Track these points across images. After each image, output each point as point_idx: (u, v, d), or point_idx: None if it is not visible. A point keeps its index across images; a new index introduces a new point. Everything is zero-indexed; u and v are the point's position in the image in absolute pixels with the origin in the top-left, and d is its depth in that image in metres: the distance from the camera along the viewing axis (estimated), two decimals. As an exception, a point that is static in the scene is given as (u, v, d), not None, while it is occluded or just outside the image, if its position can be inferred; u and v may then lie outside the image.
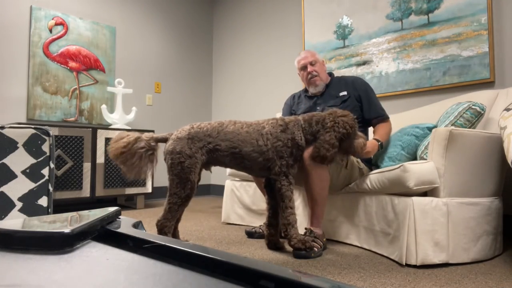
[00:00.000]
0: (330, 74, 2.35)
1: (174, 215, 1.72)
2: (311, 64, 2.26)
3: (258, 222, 2.53)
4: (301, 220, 2.31)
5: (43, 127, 1.41)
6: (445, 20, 2.61)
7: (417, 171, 1.65)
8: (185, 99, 4.57)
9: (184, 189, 1.70)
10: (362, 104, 2.18)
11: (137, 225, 0.58)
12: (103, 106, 3.50)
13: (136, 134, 1.76)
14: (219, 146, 1.75)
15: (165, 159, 1.74)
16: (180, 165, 1.69)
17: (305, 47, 3.58)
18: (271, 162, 1.80)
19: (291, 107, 2.45)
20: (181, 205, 1.72)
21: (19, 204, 1.33)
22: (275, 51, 4.01)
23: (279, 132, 1.80)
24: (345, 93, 2.19)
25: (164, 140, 1.79)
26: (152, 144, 1.77)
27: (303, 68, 2.28)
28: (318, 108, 2.22)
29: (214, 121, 1.83)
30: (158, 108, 4.29)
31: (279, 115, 3.09)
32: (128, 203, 3.67)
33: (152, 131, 3.55)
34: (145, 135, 1.78)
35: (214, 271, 0.39)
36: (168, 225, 1.71)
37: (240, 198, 2.67)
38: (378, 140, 2.06)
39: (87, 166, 3.09)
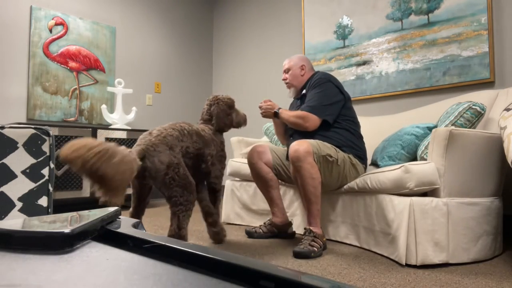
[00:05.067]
0: (315, 72, 2.29)
1: (188, 221, 1.74)
2: (285, 71, 2.32)
3: (258, 222, 2.53)
4: (300, 221, 2.31)
5: (43, 127, 1.41)
6: (445, 20, 2.62)
7: (418, 172, 1.65)
8: (185, 99, 4.57)
9: (193, 193, 1.72)
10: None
11: (137, 225, 0.58)
12: (103, 106, 3.50)
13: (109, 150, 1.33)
14: (189, 148, 1.80)
15: (157, 177, 1.65)
16: (177, 175, 1.66)
17: (305, 47, 3.58)
18: (213, 166, 1.96)
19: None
20: (192, 208, 1.74)
21: (19, 204, 1.33)
22: (275, 51, 4.01)
23: (215, 137, 2.00)
24: (304, 91, 2.21)
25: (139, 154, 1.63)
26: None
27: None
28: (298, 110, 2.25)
29: (168, 125, 1.80)
30: (158, 108, 4.29)
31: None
32: (128, 203, 3.67)
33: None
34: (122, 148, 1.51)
35: (214, 271, 0.39)
36: (186, 233, 1.72)
37: (240, 198, 2.67)
38: (278, 110, 2.15)
39: (87, 166, 3.09)
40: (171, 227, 1.70)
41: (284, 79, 2.32)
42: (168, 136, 1.71)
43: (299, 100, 2.28)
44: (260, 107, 2.21)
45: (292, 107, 2.37)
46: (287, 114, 2.13)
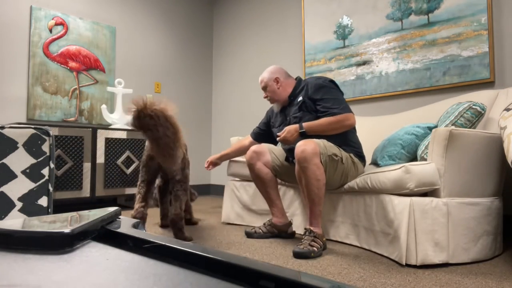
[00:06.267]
0: (297, 79, 2.31)
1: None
2: (264, 89, 2.31)
3: (258, 222, 2.53)
4: (300, 221, 2.31)
5: (43, 127, 1.41)
6: (445, 20, 2.62)
7: (418, 173, 1.65)
8: (185, 99, 4.57)
9: (188, 185, 2.15)
10: (316, 106, 2.11)
11: (137, 225, 0.58)
12: (103, 106, 3.50)
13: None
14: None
15: (176, 161, 1.95)
16: (185, 165, 2.09)
17: (305, 47, 3.58)
18: (183, 171, 2.22)
19: (270, 119, 2.46)
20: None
21: (19, 204, 1.33)
22: (276, 51, 4.01)
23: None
24: (300, 98, 2.16)
25: None
26: None
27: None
28: (287, 118, 2.24)
29: None
30: (158, 108, 4.28)
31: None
32: (128, 203, 3.67)
33: (152, 131, 3.55)
34: None
35: (214, 271, 0.39)
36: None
37: (240, 198, 2.66)
38: (301, 126, 2.01)
39: (87, 166, 3.09)
40: (175, 206, 1.99)
41: (265, 97, 2.33)
42: None
43: (289, 108, 2.24)
44: (285, 139, 2.03)
45: (284, 115, 2.29)
46: (316, 124, 2.02)
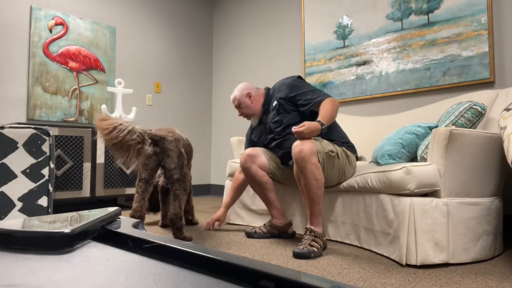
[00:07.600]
0: (265, 89, 2.34)
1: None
2: (238, 107, 2.32)
3: (258, 222, 2.52)
4: (300, 220, 2.31)
5: (43, 127, 1.41)
6: (445, 20, 2.62)
7: (419, 174, 1.65)
8: (185, 99, 4.57)
9: (188, 184, 2.12)
10: (296, 102, 2.11)
11: (137, 225, 0.58)
12: (103, 106, 3.50)
13: (129, 127, 1.77)
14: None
15: (173, 158, 2.04)
16: (184, 163, 2.11)
17: (305, 47, 3.58)
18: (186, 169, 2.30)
19: (251, 136, 2.44)
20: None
21: (19, 204, 1.33)
22: (275, 51, 4.01)
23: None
24: (275, 102, 2.18)
25: (161, 138, 2.03)
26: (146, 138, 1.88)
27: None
28: (267, 126, 2.25)
29: (165, 128, 2.19)
30: (158, 108, 4.29)
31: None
32: (128, 203, 3.67)
33: (152, 131, 3.55)
34: (139, 128, 1.85)
35: (214, 271, 0.39)
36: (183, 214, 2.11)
37: (240, 198, 2.66)
38: (321, 123, 1.87)
39: (87, 166, 3.09)
40: (174, 205, 2.01)
41: (240, 115, 2.33)
42: (175, 133, 2.14)
43: (266, 116, 2.26)
44: (301, 133, 1.84)
45: (263, 125, 2.29)
46: (325, 114, 1.93)
